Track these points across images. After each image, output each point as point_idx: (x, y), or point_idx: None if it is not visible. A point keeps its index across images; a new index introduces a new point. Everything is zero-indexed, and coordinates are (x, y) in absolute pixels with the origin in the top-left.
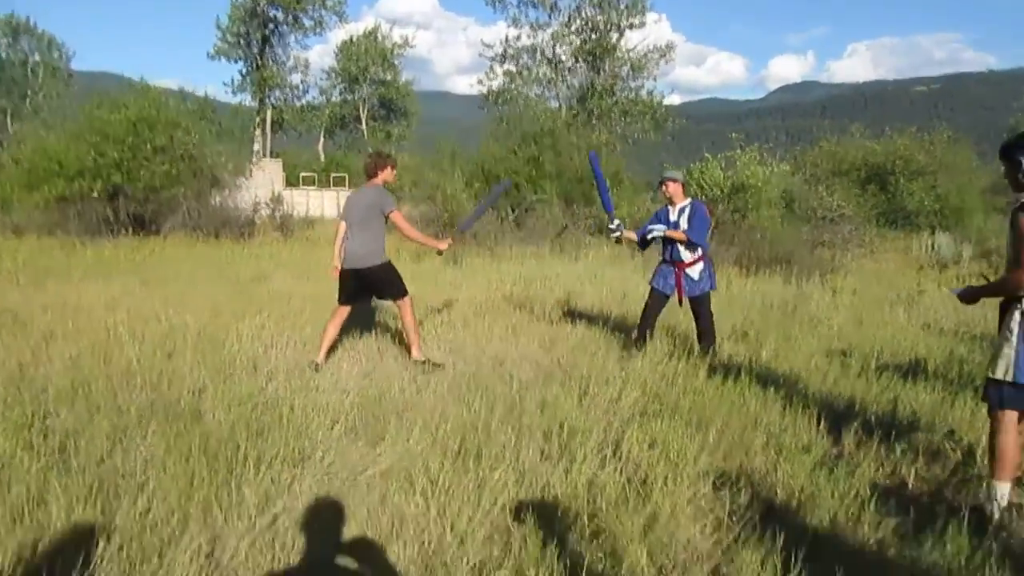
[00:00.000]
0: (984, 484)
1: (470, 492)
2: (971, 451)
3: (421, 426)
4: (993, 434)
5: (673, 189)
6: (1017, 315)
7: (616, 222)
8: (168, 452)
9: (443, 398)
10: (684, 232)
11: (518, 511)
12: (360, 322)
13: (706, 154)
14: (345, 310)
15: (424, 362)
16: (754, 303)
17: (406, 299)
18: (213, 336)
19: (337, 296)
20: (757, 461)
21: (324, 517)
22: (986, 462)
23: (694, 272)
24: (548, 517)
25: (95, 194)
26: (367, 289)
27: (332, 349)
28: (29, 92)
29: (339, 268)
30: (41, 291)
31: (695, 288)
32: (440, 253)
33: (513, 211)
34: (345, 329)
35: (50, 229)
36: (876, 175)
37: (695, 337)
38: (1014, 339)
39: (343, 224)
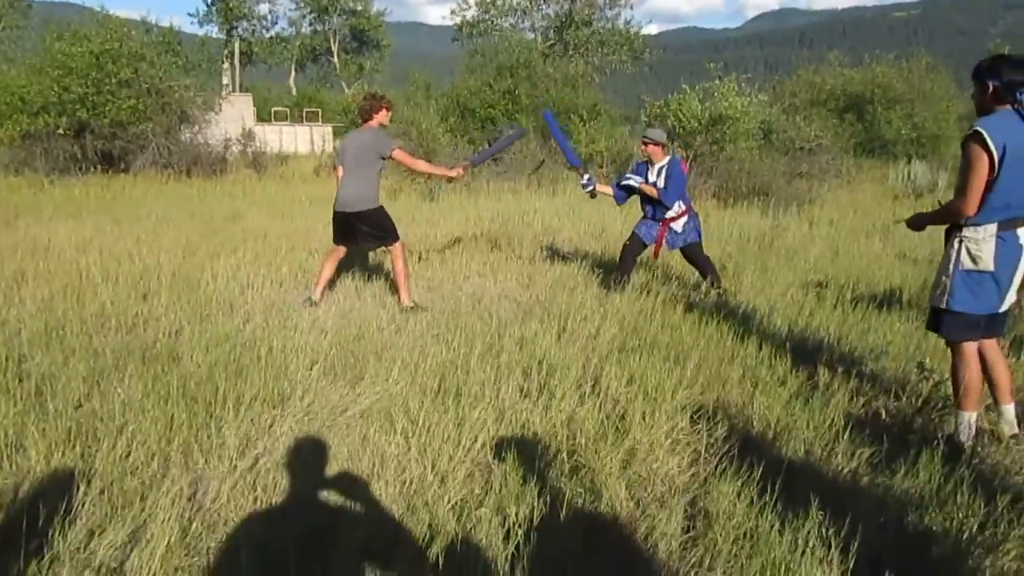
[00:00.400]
0: (953, 414)
1: (450, 431)
2: (943, 380)
3: (400, 365)
4: (954, 366)
5: (652, 151)
6: (956, 243)
7: (587, 176)
8: (146, 395)
9: (422, 337)
10: (658, 190)
11: (498, 449)
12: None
13: (684, 86)
14: (340, 249)
15: (412, 307)
16: (732, 236)
17: (397, 244)
18: (188, 276)
19: (332, 236)
20: (734, 394)
21: (305, 458)
22: (951, 389)
23: (678, 226)
24: (528, 454)
25: (61, 131)
26: (359, 233)
27: (329, 286)
28: None
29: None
30: (11, 230)
31: (678, 240)
32: (450, 181)
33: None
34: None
35: (16, 167)
36: (854, 104)
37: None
38: (951, 267)
39: (339, 168)
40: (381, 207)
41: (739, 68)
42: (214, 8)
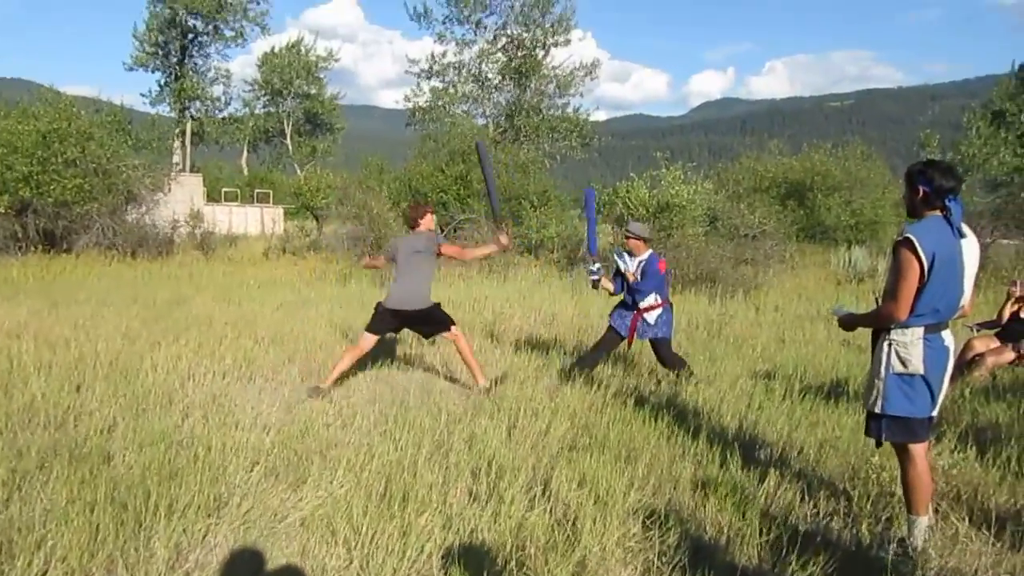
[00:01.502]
0: (905, 519)
1: (395, 541)
2: (893, 478)
3: (345, 466)
4: (903, 470)
5: (634, 244)
6: (885, 346)
7: (597, 265)
8: (71, 501)
9: (369, 434)
10: (635, 279)
11: (445, 561)
12: (286, 351)
13: (631, 174)
14: (372, 339)
15: (489, 388)
16: (681, 324)
17: (454, 329)
18: (126, 366)
19: (368, 325)
20: (686, 497)
21: (239, 573)
22: (903, 494)
23: (651, 317)
24: (476, 565)
25: (2, 209)
26: (412, 326)
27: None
28: None
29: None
30: None
31: (648, 331)
32: (507, 250)
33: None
34: (269, 359)
35: None
36: (795, 191)
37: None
38: (882, 370)
39: (384, 259)
40: (438, 304)
41: (684, 154)
42: (167, 89)
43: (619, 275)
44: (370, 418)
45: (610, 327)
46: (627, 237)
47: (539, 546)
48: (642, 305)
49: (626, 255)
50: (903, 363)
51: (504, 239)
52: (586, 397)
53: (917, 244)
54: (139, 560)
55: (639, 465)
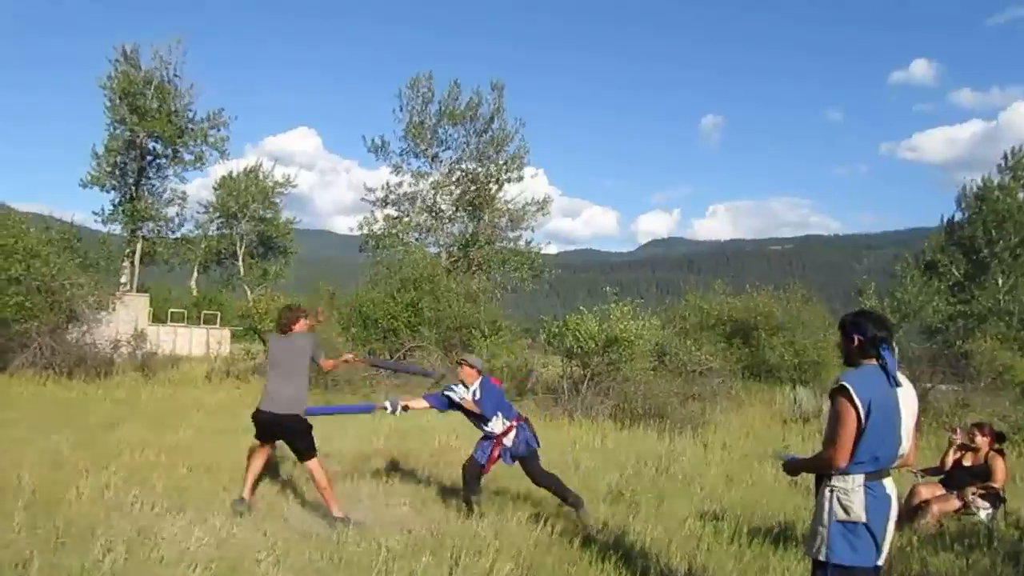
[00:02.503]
0: None
1: None
2: None
3: None
4: None
5: (467, 373)
6: (827, 492)
7: (388, 402)
8: None
9: (303, 571)
10: (476, 402)
11: None
12: (221, 480)
13: (581, 307)
14: (267, 448)
15: (343, 519)
16: (629, 460)
17: (314, 460)
18: (49, 495)
19: (255, 434)
20: None
21: None
22: None
23: (508, 440)
24: None
25: None
26: (277, 435)
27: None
28: None
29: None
30: None
31: (508, 455)
32: (347, 361)
33: (391, 357)
34: (202, 489)
35: None
36: (740, 329)
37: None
38: (825, 516)
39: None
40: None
41: (633, 288)
42: (121, 208)
43: (454, 406)
44: (305, 555)
45: (472, 458)
46: (460, 365)
47: None
48: (497, 431)
49: (458, 387)
50: (845, 510)
51: (352, 357)
52: (531, 534)
53: (852, 392)
54: None
55: None
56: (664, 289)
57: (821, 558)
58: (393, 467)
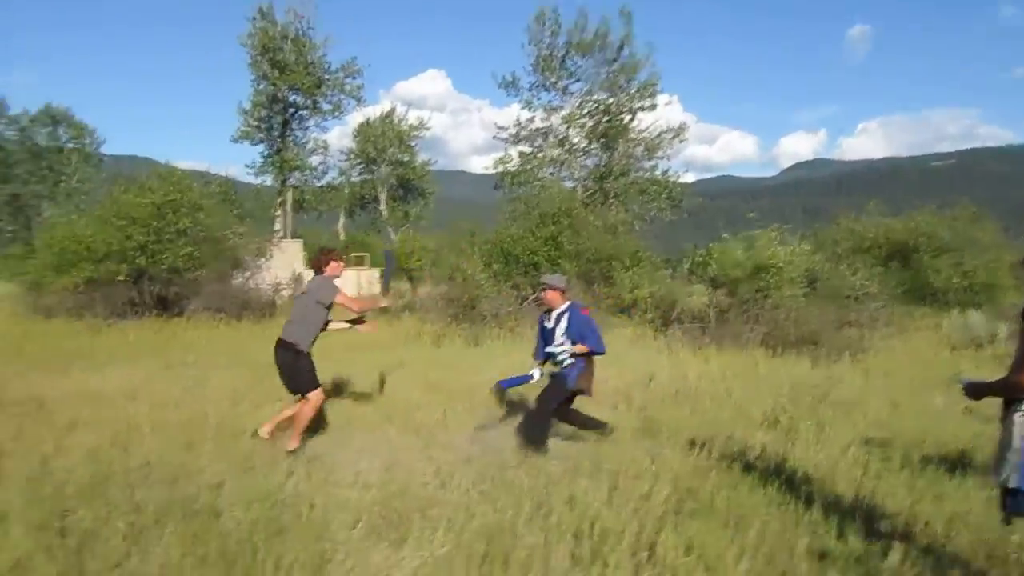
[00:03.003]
0: None
1: None
2: None
3: (446, 526)
4: None
5: (551, 297)
6: (1017, 417)
7: (535, 371)
8: (185, 556)
9: (468, 493)
10: (585, 344)
11: None
12: (385, 410)
13: (724, 234)
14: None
15: (294, 451)
16: (783, 387)
17: (313, 394)
18: (232, 426)
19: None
20: (801, 567)
21: None
22: None
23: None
24: None
25: (121, 277)
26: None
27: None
28: (63, 177)
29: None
30: (66, 377)
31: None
32: (385, 309)
33: (533, 291)
34: (367, 419)
35: (78, 311)
36: (898, 252)
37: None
38: (1013, 442)
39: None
40: (308, 354)
41: (776, 214)
42: (270, 160)
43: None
44: (468, 478)
45: (544, 391)
46: (542, 289)
47: None
48: (565, 355)
49: (543, 316)
50: None
51: (384, 302)
52: (688, 460)
53: None
54: None
55: (749, 532)
56: (811, 213)
57: (1012, 485)
58: None
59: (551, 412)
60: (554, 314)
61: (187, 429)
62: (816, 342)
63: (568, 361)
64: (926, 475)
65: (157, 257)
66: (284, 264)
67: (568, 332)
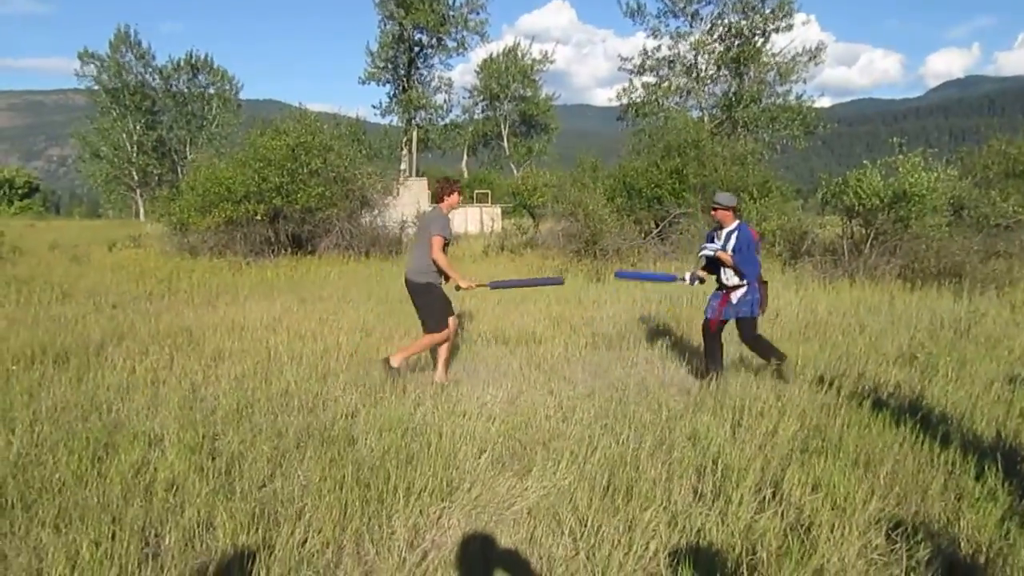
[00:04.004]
0: None
1: (620, 535)
2: None
3: (568, 458)
4: None
5: (722, 215)
6: None
7: (688, 274)
8: (323, 479)
9: (590, 427)
10: (732, 257)
11: (671, 559)
12: (509, 345)
13: (864, 161)
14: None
15: (395, 369)
16: (921, 321)
17: (429, 336)
18: (365, 357)
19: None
20: (935, 508)
21: (472, 556)
22: None
23: (734, 296)
24: (704, 567)
25: (258, 217)
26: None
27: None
28: (205, 122)
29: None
30: (212, 310)
31: (731, 312)
32: (457, 289)
33: (657, 225)
34: (492, 353)
35: (220, 250)
36: None
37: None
38: None
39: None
40: (431, 283)
41: (920, 139)
42: (395, 100)
43: (711, 261)
44: (590, 412)
45: (705, 319)
46: (714, 209)
47: (771, 552)
48: (732, 283)
49: (714, 232)
50: None
51: (470, 284)
52: (816, 397)
53: None
54: (382, 537)
55: (880, 472)
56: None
57: None
58: (667, 332)
59: (758, 338)
60: (724, 231)
61: (323, 359)
62: (959, 274)
63: (736, 284)
64: None
65: (291, 197)
66: (410, 202)
67: (735, 248)
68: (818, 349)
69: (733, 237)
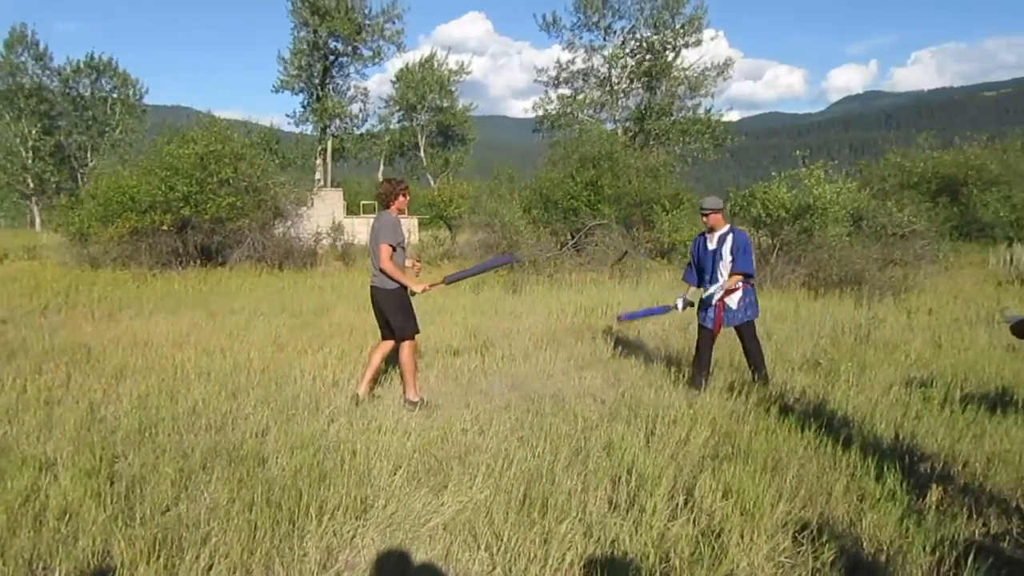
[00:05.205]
0: None
1: (536, 548)
2: None
3: (485, 471)
4: None
5: (714, 219)
6: None
7: (678, 301)
8: (231, 501)
9: (506, 439)
10: (733, 270)
11: (587, 569)
12: (425, 359)
13: (772, 173)
14: (386, 343)
15: (416, 403)
16: (824, 328)
17: (408, 343)
18: (276, 373)
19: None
20: (839, 509)
21: (387, 575)
22: None
23: (732, 302)
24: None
25: (165, 227)
26: (380, 314)
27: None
28: (107, 128)
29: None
30: (114, 325)
31: (734, 318)
32: (413, 294)
33: (572, 236)
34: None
35: (124, 261)
36: (947, 187)
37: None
38: None
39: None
40: (397, 290)
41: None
42: (310, 109)
43: (690, 267)
44: (506, 424)
45: (699, 326)
46: (704, 215)
47: (683, 558)
48: (719, 294)
49: (702, 239)
50: None
51: (421, 287)
52: (726, 404)
53: None
54: (294, 559)
55: (787, 476)
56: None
57: None
58: (582, 341)
59: (758, 342)
60: (716, 235)
61: (232, 376)
62: (860, 282)
63: (722, 292)
64: (967, 414)
65: (200, 207)
66: (324, 212)
67: (733, 250)
68: (728, 357)
69: (728, 240)
